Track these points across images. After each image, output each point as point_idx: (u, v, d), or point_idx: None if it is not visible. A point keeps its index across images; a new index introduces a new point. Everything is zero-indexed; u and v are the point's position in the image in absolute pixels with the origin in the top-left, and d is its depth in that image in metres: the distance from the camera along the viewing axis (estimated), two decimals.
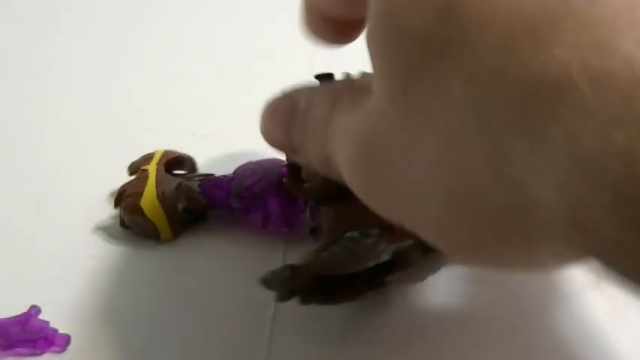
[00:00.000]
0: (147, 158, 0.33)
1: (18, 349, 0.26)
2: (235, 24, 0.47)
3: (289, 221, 0.30)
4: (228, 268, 0.30)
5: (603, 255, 0.16)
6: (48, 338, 0.26)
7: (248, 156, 0.32)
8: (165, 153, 0.34)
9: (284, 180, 0.29)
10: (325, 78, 0.27)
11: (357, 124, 0.21)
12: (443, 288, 0.29)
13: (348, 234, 0.27)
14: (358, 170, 0.21)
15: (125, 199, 0.31)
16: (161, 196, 0.31)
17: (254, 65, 0.42)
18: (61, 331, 0.27)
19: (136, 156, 0.33)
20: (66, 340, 0.26)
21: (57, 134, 0.37)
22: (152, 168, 0.33)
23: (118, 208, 0.31)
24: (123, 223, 0.31)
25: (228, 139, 0.35)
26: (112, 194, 0.33)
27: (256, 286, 0.26)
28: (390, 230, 0.27)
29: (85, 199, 0.33)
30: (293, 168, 0.29)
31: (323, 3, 0.24)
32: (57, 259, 0.30)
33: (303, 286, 0.26)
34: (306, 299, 0.26)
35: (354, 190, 0.22)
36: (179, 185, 0.32)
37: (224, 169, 0.32)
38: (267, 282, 0.26)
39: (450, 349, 0.27)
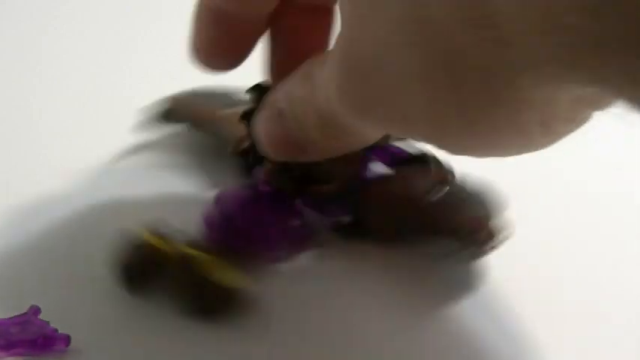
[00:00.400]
0: None
1: (18, 349, 0.26)
2: None
3: None
4: None
5: (578, 59, 0.17)
6: (48, 338, 0.26)
7: None
8: None
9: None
10: (257, 89, 0.30)
11: (334, 54, 0.23)
12: (446, 284, 0.29)
13: None
14: (348, 86, 0.23)
15: None
16: None
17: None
18: (61, 331, 0.27)
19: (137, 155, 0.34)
20: (66, 340, 0.26)
21: (57, 135, 0.37)
22: None
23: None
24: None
25: None
26: (111, 194, 0.33)
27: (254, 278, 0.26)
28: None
29: (85, 199, 0.33)
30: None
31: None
32: (57, 259, 0.30)
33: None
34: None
35: (352, 115, 0.23)
36: None
37: None
38: None
39: (450, 343, 0.27)
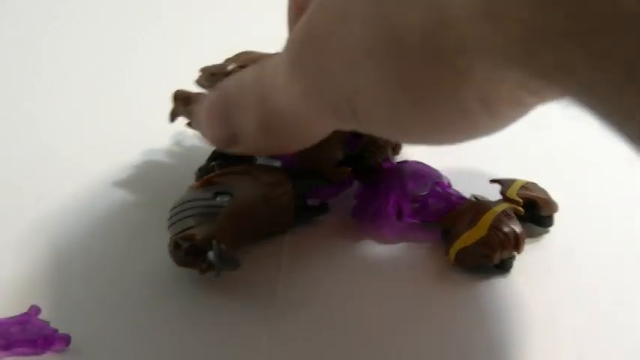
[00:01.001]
0: None
1: (18, 349, 0.26)
2: (232, 12, 0.47)
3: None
4: None
5: (520, 48, 0.17)
6: (48, 338, 0.26)
7: None
8: None
9: None
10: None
11: (293, 36, 0.24)
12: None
13: None
14: (300, 60, 0.24)
15: None
16: None
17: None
18: (61, 331, 0.27)
19: (136, 155, 0.33)
20: (66, 340, 0.26)
21: (57, 135, 0.37)
22: None
23: None
24: None
25: None
26: (111, 195, 0.33)
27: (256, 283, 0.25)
28: None
29: (85, 199, 0.33)
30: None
31: None
32: (57, 259, 0.30)
33: None
34: None
35: (299, 96, 0.24)
36: None
37: None
38: None
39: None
